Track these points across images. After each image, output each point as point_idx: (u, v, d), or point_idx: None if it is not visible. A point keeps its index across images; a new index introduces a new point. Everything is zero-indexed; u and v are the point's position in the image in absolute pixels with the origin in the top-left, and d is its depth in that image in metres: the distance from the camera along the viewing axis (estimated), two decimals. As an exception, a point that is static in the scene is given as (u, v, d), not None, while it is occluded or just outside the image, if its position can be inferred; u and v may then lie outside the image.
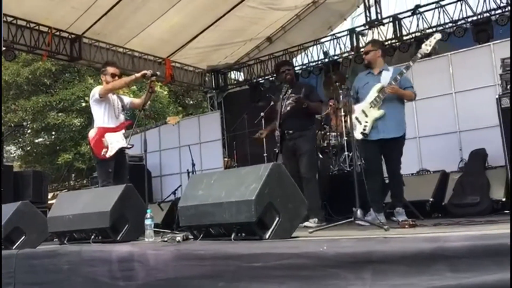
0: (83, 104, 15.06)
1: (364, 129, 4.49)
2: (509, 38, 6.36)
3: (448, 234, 2.23)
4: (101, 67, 5.41)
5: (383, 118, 4.48)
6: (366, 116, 4.52)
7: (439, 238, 1.97)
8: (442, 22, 7.92)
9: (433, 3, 8.08)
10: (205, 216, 2.96)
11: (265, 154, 7.67)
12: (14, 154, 17.65)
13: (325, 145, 7.23)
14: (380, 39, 8.67)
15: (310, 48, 9.51)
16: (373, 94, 4.52)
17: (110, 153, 4.85)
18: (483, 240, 1.87)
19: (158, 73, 5.26)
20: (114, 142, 4.91)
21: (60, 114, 15.21)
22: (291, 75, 5.42)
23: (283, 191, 2.87)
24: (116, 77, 5.11)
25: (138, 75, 4.92)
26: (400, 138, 4.56)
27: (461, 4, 7.73)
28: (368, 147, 4.58)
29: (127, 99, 5.38)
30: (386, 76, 4.58)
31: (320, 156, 6.92)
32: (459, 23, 7.72)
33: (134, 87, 15.96)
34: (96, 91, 5.00)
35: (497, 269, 1.74)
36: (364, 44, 8.68)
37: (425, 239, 2.02)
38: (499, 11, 7.35)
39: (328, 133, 7.29)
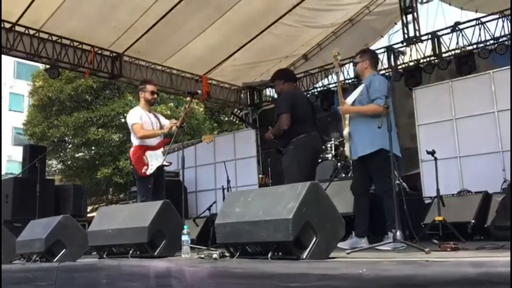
0: (122, 120, 15.45)
1: (347, 150, 4.37)
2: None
3: (494, 259, 2.14)
4: (139, 85, 5.60)
5: (351, 137, 4.28)
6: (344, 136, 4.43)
7: (484, 263, 1.90)
8: (482, 39, 7.75)
9: (473, 19, 7.93)
10: (242, 234, 2.95)
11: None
12: (55, 168, 18.22)
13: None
14: (419, 56, 8.57)
15: (347, 66, 9.47)
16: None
17: (150, 170, 5.04)
18: (532, 267, 1.79)
19: (199, 91, 5.48)
20: (154, 159, 5.07)
21: (100, 129, 15.63)
22: (276, 91, 5.17)
23: (320, 211, 2.84)
24: (155, 95, 5.39)
25: (166, 128, 5.17)
26: (372, 155, 4.11)
27: (503, 21, 7.56)
28: (353, 168, 4.44)
29: (164, 120, 5.49)
30: (357, 91, 4.33)
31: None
32: (500, 40, 7.54)
33: (171, 104, 16.27)
34: (133, 124, 5.09)
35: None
36: (401, 62, 8.60)
37: (470, 263, 1.95)
38: (544, 28, 7.15)
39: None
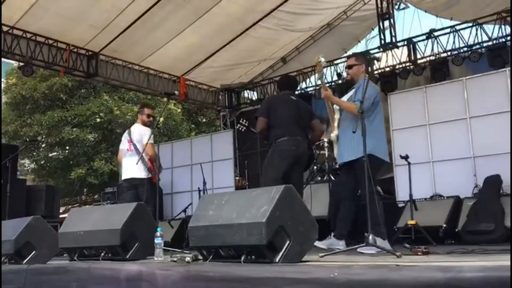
0: (98, 120, 15.24)
1: (335, 153, 4.41)
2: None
3: (462, 264, 2.18)
4: (139, 107, 6.38)
5: (339, 141, 4.32)
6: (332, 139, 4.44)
7: (453, 268, 1.93)
8: (457, 46, 7.92)
9: (448, 27, 8.10)
10: (215, 237, 2.94)
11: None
12: (28, 168, 17.82)
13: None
14: (394, 62, 8.70)
15: (324, 69, 9.52)
16: (332, 114, 4.40)
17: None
18: (498, 271, 1.83)
19: (176, 92, 5.60)
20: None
21: (74, 129, 15.36)
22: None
23: (294, 214, 2.85)
24: (151, 118, 6.04)
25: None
26: (357, 161, 4.08)
27: (476, 29, 7.74)
28: (341, 171, 4.49)
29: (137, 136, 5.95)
30: (349, 93, 4.38)
31: (332, 178, 6.88)
32: (474, 47, 7.71)
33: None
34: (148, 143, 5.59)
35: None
36: (377, 67, 8.71)
37: (439, 268, 1.97)
38: (515, 36, 7.34)
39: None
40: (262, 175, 4.83)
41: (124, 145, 5.96)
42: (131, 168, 5.73)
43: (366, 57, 4.89)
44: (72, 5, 7.08)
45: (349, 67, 4.42)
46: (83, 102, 15.70)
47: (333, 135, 4.38)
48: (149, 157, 5.74)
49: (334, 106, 4.43)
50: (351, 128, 4.05)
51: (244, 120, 6.08)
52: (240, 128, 6.28)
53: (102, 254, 3.69)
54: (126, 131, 6.08)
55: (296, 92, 9.70)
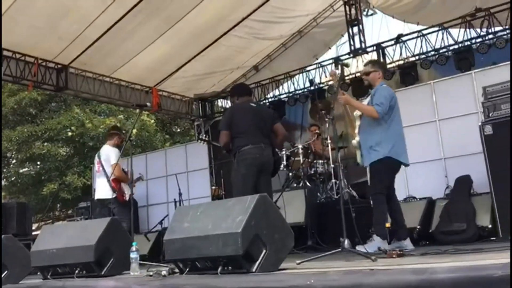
0: (69, 134, 14.95)
1: (358, 157, 4.48)
2: (491, 66, 6.54)
3: (435, 265, 2.22)
4: (111, 129, 6.98)
5: (360, 147, 4.44)
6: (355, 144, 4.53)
7: (426, 270, 1.97)
8: (424, 50, 8.10)
9: (415, 32, 8.28)
10: (191, 250, 2.92)
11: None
12: (-2, 185, 17.37)
13: (312, 172, 7.26)
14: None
15: (296, 76, 9.64)
16: (353, 120, 4.54)
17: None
18: (469, 271, 1.87)
19: (148, 103, 5.59)
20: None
21: (45, 144, 15.04)
22: None
23: (269, 223, 2.85)
24: (123, 142, 6.36)
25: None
26: (370, 166, 4.36)
27: (442, 33, 7.93)
28: (368, 173, 4.57)
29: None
30: (367, 99, 4.53)
31: (308, 183, 6.93)
32: (441, 51, 7.90)
33: (121, 116, 15.93)
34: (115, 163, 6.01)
35: (483, 302, 1.73)
36: (348, 73, 8.84)
37: (412, 271, 2.01)
38: (480, 39, 7.56)
39: (315, 161, 7.33)
40: (233, 186, 4.84)
41: (95, 166, 6.41)
42: (99, 188, 6.16)
43: (382, 63, 5.19)
44: (39, 17, 6.96)
45: (366, 73, 4.53)
46: (53, 116, 15.40)
47: (355, 141, 4.48)
48: (114, 177, 6.04)
49: (354, 113, 4.50)
50: (370, 133, 4.28)
51: (205, 135, 6.19)
52: (201, 143, 6.42)
53: (77, 271, 3.62)
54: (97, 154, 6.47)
55: (270, 99, 9.88)
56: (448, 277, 1.90)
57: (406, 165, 4.49)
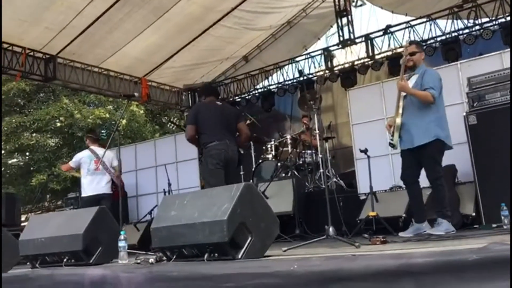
0: (58, 124, 14.88)
1: (391, 139, 4.40)
2: (475, 57, 6.61)
3: (412, 250, 2.29)
4: (88, 133, 7.47)
5: (405, 128, 4.33)
6: (393, 126, 4.43)
7: (404, 255, 2.03)
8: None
9: (403, 23, 8.33)
10: (178, 237, 2.96)
11: (242, 172, 7.70)
12: (-14, 176, 17.24)
13: (301, 162, 7.32)
14: (353, 58, 8.89)
15: (286, 67, 9.66)
16: (397, 101, 4.40)
17: None
18: (445, 256, 1.93)
19: (136, 94, 5.59)
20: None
21: (34, 134, 14.97)
22: None
23: (255, 211, 2.90)
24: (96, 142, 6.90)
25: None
26: (426, 145, 4.21)
27: (430, 24, 7.99)
28: (402, 156, 4.44)
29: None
30: (412, 80, 4.42)
31: (296, 173, 6.99)
32: (428, 42, 7.96)
33: (110, 106, 15.86)
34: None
35: (457, 284, 1.79)
36: (337, 63, 8.88)
37: (391, 256, 2.07)
38: (467, 30, 7.63)
39: (303, 151, 7.39)
40: (204, 181, 5.06)
41: (89, 164, 6.55)
42: (98, 185, 6.49)
43: (422, 45, 4.99)
44: (27, 7, 6.90)
45: (411, 54, 4.44)
46: (42, 106, 15.31)
47: (398, 121, 4.36)
48: (118, 176, 6.53)
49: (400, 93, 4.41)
50: (417, 115, 4.22)
51: (175, 119, 6.29)
52: (172, 127, 6.55)
53: (65, 260, 3.65)
54: (87, 153, 6.69)
55: (259, 90, 9.90)
56: (425, 261, 1.95)
57: (451, 148, 4.42)
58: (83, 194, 6.57)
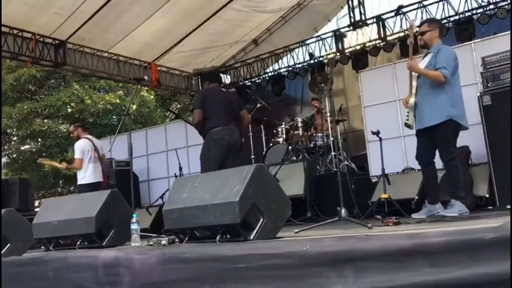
0: (69, 110, 14.95)
1: (407, 119, 4.32)
2: (490, 37, 6.48)
3: (426, 230, 2.27)
4: (77, 122, 7.38)
5: (418, 107, 4.23)
6: (408, 105, 4.33)
7: (418, 235, 2.01)
8: (424, 21, 7.99)
9: (415, 3, 8.17)
10: (190, 219, 2.97)
11: (252, 156, 7.70)
12: (0, 162, 17.47)
13: (312, 146, 7.28)
14: (365, 40, 8.76)
15: (296, 50, 9.56)
16: (410, 81, 4.29)
17: None
18: (459, 235, 1.91)
19: (146, 77, 5.56)
20: None
21: (45, 120, 15.07)
22: None
23: (266, 192, 2.89)
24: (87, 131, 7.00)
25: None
26: (439, 126, 4.09)
27: (443, 4, 7.84)
28: (417, 136, 4.35)
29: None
30: (425, 61, 4.33)
31: (307, 156, 6.96)
32: (442, 22, 7.80)
33: (121, 91, 15.89)
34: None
35: (472, 263, 1.77)
36: (348, 45, 8.77)
37: (405, 235, 2.05)
38: (481, 10, 7.47)
39: (314, 134, 7.35)
40: (201, 165, 5.06)
41: (90, 152, 6.64)
42: (96, 173, 6.59)
43: (438, 21, 4.85)
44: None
45: (422, 33, 4.37)
46: (53, 92, 15.39)
47: (412, 101, 4.27)
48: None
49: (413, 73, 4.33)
50: (430, 94, 4.11)
51: (174, 108, 6.32)
52: (170, 115, 6.58)
53: (78, 242, 3.68)
54: (88, 142, 6.72)
55: (270, 74, 9.83)
56: (440, 240, 1.93)
57: (466, 128, 4.28)
58: (88, 181, 6.63)
